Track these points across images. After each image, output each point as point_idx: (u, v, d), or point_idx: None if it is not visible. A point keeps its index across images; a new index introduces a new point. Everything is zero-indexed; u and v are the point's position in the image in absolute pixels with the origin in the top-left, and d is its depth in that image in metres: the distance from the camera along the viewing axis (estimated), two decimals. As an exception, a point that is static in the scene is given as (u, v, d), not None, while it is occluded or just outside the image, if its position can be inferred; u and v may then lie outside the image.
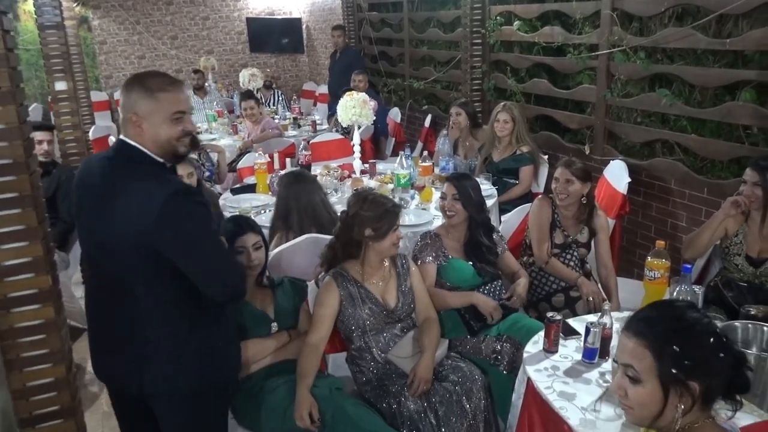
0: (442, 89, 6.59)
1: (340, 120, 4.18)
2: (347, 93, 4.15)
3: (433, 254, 2.87)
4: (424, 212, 3.66)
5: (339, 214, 2.72)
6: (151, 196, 1.71)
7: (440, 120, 6.62)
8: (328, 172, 4.34)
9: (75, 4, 9.48)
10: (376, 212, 2.48)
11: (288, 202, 3.09)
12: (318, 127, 6.61)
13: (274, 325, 2.51)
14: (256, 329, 2.47)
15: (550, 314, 2.22)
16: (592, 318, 2.31)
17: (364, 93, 4.15)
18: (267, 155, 4.46)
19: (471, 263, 2.90)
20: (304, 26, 10.46)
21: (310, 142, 5.52)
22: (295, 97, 9.92)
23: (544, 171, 4.57)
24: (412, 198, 3.86)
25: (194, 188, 1.93)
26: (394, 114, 6.92)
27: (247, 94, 5.91)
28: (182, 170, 3.11)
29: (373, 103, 4.20)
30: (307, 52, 10.71)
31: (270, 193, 4.18)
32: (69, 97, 4.54)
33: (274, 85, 8.66)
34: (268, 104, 7.63)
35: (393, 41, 7.70)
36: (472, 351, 2.68)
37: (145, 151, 1.82)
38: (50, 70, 4.48)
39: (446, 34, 6.33)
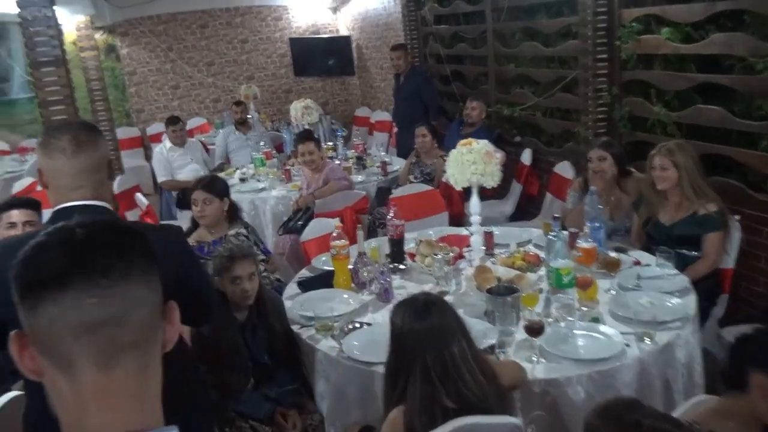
0: (547, 117, 5.26)
1: (452, 182, 2.89)
2: (464, 143, 2.87)
3: None
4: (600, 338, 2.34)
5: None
6: None
7: (541, 156, 5.30)
8: (432, 251, 3.06)
9: (100, 33, 8.47)
10: None
11: (409, 354, 1.80)
12: (388, 168, 5.34)
13: None
14: None
15: None
16: None
17: (487, 142, 2.86)
18: (339, 221, 3.21)
19: None
20: (353, 45, 9.25)
21: (391, 196, 4.26)
22: (356, 129, 8.58)
23: (735, 237, 3.21)
24: (572, 300, 2.53)
25: None
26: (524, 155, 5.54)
27: (305, 135, 4.67)
28: (241, 270, 2.54)
29: (499, 155, 2.91)
30: (358, 74, 9.49)
31: (353, 285, 2.92)
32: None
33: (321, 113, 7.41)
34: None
35: (470, 59, 6.42)
36: None
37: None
38: (48, 122, 3.31)
39: (549, 47, 5.02)
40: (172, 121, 6.20)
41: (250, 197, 4.96)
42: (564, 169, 4.65)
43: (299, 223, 4.50)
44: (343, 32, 9.57)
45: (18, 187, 5.56)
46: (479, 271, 2.79)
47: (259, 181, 5.34)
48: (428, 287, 2.93)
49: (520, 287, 2.60)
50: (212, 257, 2.62)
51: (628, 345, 2.23)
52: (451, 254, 3.00)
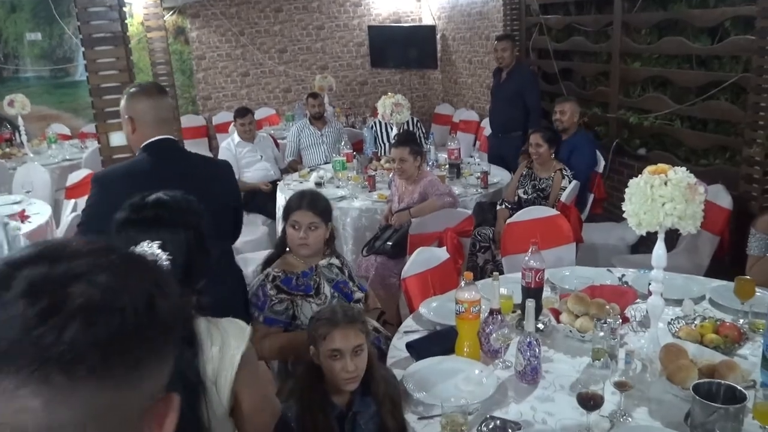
0: (690, 128, 4.35)
1: (633, 223, 2.06)
2: (652, 170, 2.04)
3: None
4: None
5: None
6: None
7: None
8: (585, 309, 2.28)
9: (169, 13, 7.93)
10: None
11: None
12: (489, 180, 4.53)
13: None
14: None
15: None
16: None
17: (686, 170, 2.03)
18: (466, 273, 2.44)
19: None
20: (438, 35, 8.45)
21: (507, 221, 3.47)
22: (451, 133, 7.42)
23: None
24: None
25: None
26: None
27: (404, 139, 3.88)
28: (343, 342, 1.86)
29: (703, 188, 2.07)
30: (441, 67, 8.68)
31: (482, 353, 2.16)
32: (130, 156, 2.69)
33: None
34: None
35: (584, 55, 5.53)
36: None
37: None
38: (100, 114, 2.64)
39: (696, 44, 4.12)
40: (241, 113, 5.56)
41: (329, 206, 4.23)
42: (718, 195, 3.74)
43: (388, 243, 3.77)
44: (427, 21, 8.77)
45: (74, 178, 5.02)
46: (669, 353, 1.97)
47: (338, 187, 4.62)
48: (583, 364, 2.14)
49: (732, 381, 1.80)
50: (311, 321, 1.88)
51: None
52: (619, 320, 2.20)
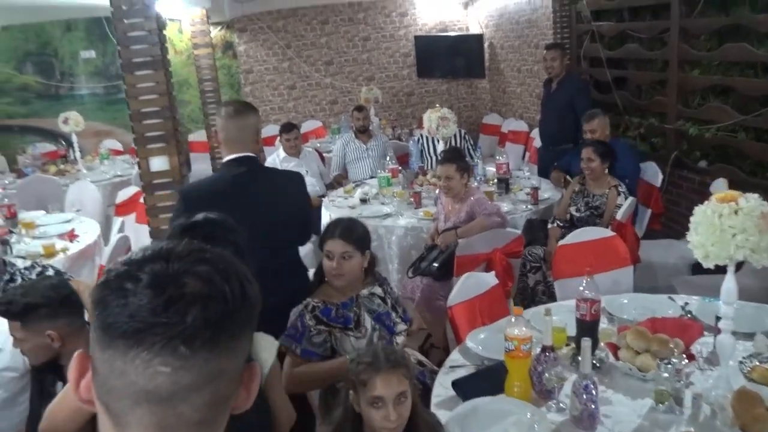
0: (755, 139, 4.09)
1: (699, 255, 1.89)
2: (721, 198, 1.87)
3: None
4: None
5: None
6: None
7: (740, 188, 4.12)
8: (647, 344, 2.11)
9: (218, 28, 8.02)
10: None
11: None
12: (540, 195, 4.35)
13: None
14: None
15: None
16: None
17: (758, 198, 1.85)
18: (514, 306, 2.31)
19: None
20: (486, 44, 8.29)
21: (559, 242, 3.30)
22: (499, 147, 7.21)
23: None
24: None
25: None
26: (651, 173, 4.53)
27: (451, 156, 3.74)
28: (386, 389, 1.73)
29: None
30: (489, 77, 8.52)
31: (533, 394, 2.02)
32: (171, 181, 2.66)
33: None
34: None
35: (639, 62, 5.30)
36: None
37: None
38: (140, 138, 2.61)
39: (762, 50, 3.87)
40: (287, 129, 5.53)
41: (374, 224, 4.12)
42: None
43: (434, 265, 3.64)
44: (474, 30, 8.63)
45: (122, 196, 5.08)
46: (743, 400, 1.79)
47: (383, 204, 4.52)
48: (645, 407, 1.97)
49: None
50: (351, 363, 1.78)
51: None
52: (685, 359, 2.03)
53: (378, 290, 2.49)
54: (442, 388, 2.16)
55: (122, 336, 0.67)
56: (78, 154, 6.64)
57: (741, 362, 2.14)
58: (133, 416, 0.68)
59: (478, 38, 8.28)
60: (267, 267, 2.48)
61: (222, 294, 0.70)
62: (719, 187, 3.98)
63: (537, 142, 6.00)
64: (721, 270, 1.92)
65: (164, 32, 2.71)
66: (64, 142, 7.51)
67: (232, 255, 1.39)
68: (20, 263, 3.70)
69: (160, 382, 0.67)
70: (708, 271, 2.45)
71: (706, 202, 1.92)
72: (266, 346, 1.78)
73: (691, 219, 1.93)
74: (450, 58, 8.38)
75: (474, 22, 8.67)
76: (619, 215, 3.77)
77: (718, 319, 2.24)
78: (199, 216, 1.81)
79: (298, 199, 2.72)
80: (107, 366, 0.68)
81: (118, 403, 0.68)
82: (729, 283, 1.92)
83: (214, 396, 0.71)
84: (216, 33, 8.07)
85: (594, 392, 1.88)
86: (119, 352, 0.67)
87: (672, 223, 4.66)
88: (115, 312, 0.67)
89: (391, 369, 1.68)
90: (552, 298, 3.62)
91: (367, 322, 2.37)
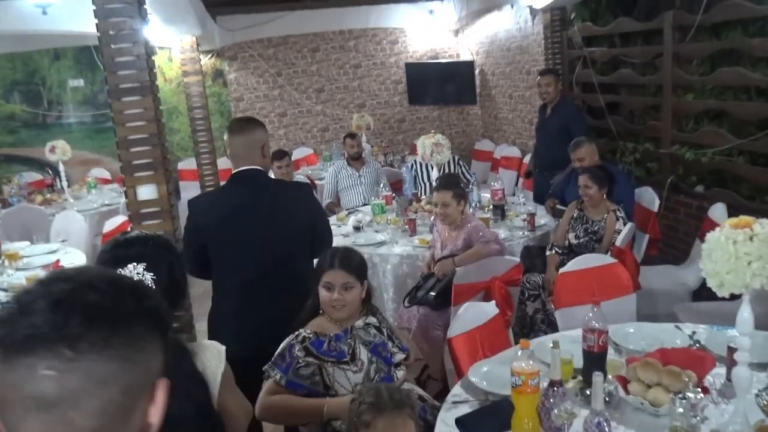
0: (750, 163, 4.05)
1: (713, 285, 1.81)
2: (735, 223, 1.80)
3: None
4: None
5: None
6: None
7: (739, 213, 4.07)
8: (658, 377, 2.02)
9: (208, 56, 7.99)
10: None
11: None
12: (536, 222, 4.28)
13: None
14: None
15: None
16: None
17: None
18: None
19: None
20: (477, 71, 8.30)
21: (560, 270, 3.22)
22: (495, 173, 7.16)
23: None
24: None
25: None
26: (647, 198, 4.48)
27: (447, 183, 3.67)
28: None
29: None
30: (480, 103, 8.52)
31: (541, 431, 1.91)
32: (160, 210, 2.56)
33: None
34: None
35: (632, 88, 5.29)
36: None
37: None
38: (128, 166, 2.52)
39: (757, 74, 3.85)
40: (278, 156, 5.44)
41: (368, 252, 4.03)
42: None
43: (431, 294, 3.55)
44: (465, 57, 8.66)
45: (109, 225, 4.97)
46: (765, 436, 1.70)
47: (377, 231, 4.43)
48: (660, 443, 1.87)
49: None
50: (352, 403, 1.67)
51: None
52: (700, 393, 1.93)
53: (373, 320, 2.39)
54: (444, 425, 2.05)
55: (12, 346, 0.68)
56: (65, 183, 6.53)
57: (757, 395, 2.04)
58: (24, 427, 0.68)
59: (469, 65, 8.30)
60: (274, 276, 2.54)
61: (112, 301, 0.71)
62: (718, 211, 3.94)
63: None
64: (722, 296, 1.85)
65: (153, 59, 2.64)
66: (50, 171, 7.40)
67: (151, 273, 1.44)
68: (2, 296, 3.58)
69: (45, 386, 0.67)
70: (710, 298, 2.39)
71: (718, 228, 1.85)
72: (214, 354, 1.78)
73: (703, 246, 1.86)
74: (441, 84, 8.37)
75: (465, 49, 8.70)
76: (619, 241, 3.70)
77: (729, 348, 2.16)
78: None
79: (306, 209, 2.71)
80: (2, 380, 0.69)
81: (11, 414, 0.68)
82: (744, 312, 1.84)
83: (110, 404, 0.70)
84: (206, 61, 8.04)
85: (607, 430, 1.78)
86: (9, 363, 0.68)
87: (670, 248, 4.59)
88: (10, 324, 0.69)
89: (395, 410, 1.58)
90: (551, 326, 3.53)
91: (363, 354, 2.26)
